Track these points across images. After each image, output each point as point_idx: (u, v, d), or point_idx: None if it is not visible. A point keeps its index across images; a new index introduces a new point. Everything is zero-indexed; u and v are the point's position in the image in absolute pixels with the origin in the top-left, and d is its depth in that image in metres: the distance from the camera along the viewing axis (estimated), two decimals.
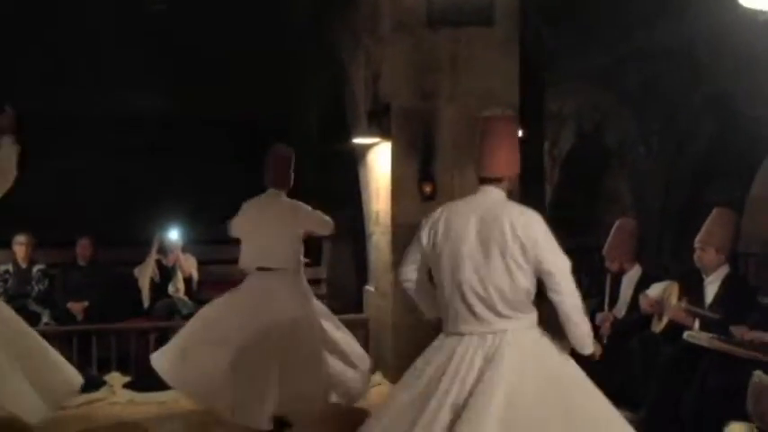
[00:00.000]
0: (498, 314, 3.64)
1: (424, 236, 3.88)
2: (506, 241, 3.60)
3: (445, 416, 3.48)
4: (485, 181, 3.82)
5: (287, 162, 6.25)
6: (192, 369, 5.91)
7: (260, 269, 6.10)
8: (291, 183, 6.26)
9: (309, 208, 6.20)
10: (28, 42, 9.73)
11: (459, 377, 3.55)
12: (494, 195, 3.80)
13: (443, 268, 3.78)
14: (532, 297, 3.74)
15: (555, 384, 3.64)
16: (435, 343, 3.84)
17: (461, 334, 3.69)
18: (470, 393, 3.49)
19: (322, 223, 6.26)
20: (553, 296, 3.69)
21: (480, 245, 3.66)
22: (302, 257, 6.26)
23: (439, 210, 3.94)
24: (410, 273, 4.06)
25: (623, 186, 12.65)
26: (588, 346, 3.90)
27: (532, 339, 3.75)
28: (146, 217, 9.03)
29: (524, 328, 3.72)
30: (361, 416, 4.73)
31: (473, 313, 3.68)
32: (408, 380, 3.79)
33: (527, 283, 3.66)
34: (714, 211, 5.88)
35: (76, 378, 5.97)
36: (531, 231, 3.63)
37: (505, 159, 3.83)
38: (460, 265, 3.70)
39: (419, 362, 3.81)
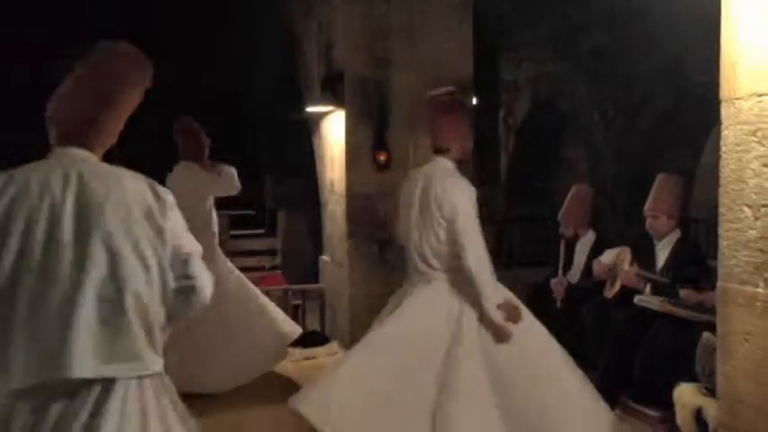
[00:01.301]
0: (434, 269, 4.19)
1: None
2: (436, 203, 4.12)
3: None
4: (435, 151, 4.33)
5: (194, 133, 6.18)
6: None
7: None
8: (205, 152, 6.18)
9: (217, 175, 6.11)
10: None
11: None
12: (441, 164, 4.28)
13: (401, 228, 4.40)
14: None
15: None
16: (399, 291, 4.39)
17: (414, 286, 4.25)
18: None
19: (228, 187, 6.19)
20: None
21: (420, 207, 4.20)
22: (215, 227, 6.16)
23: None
24: None
25: (578, 154, 12.75)
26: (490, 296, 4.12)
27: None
28: None
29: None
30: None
31: (417, 269, 4.24)
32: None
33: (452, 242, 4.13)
34: (659, 177, 5.93)
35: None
36: (453, 197, 4.09)
37: (451, 132, 4.30)
38: (409, 226, 4.28)
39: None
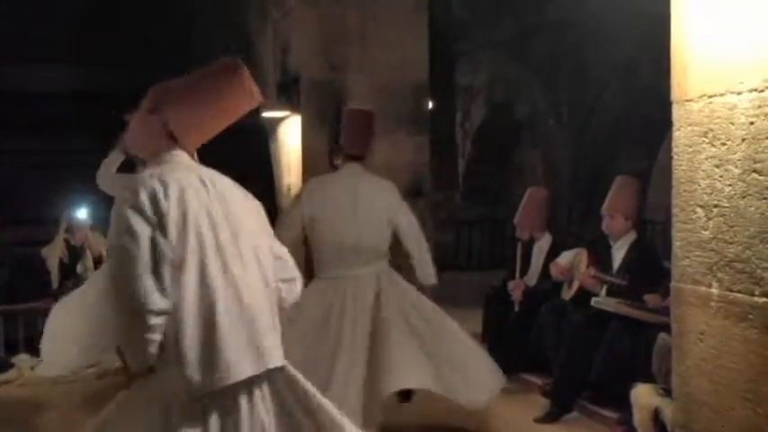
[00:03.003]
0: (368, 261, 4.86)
1: (305, 206, 4.92)
2: (367, 201, 4.83)
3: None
4: (348, 158, 4.97)
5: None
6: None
7: None
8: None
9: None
10: None
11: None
12: (355, 169, 4.94)
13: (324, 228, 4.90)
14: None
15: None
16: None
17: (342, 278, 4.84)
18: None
19: None
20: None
21: (351, 205, 4.82)
22: None
23: (311, 182, 5.20)
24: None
25: (534, 157, 12.81)
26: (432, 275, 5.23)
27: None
28: (53, 195, 8.77)
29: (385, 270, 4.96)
30: None
31: (345, 262, 4.84)
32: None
33: (384, 235, 4.93)
34: (617, 179, 6.00)
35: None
36: (388, 194, 4.94)
37: (363, 141, 5.01)
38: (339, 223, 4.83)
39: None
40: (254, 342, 2.54)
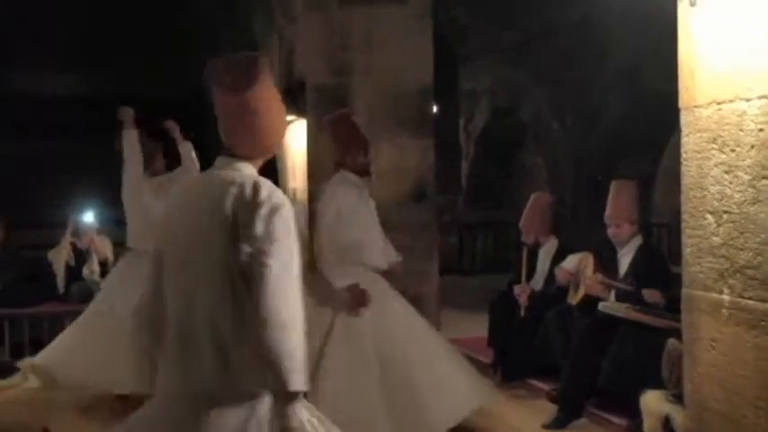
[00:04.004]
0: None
1: None
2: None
3: None
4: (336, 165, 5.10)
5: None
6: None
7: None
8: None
9: None
10: None
11: None
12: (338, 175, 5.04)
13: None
14: None
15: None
16: None
17: None
18: None
19: None
20: None
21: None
22: None
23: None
24: None
25: (538, 161, 12.80)
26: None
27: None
28: (60, 199, 8.81)
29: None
30: None
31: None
32: None
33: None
34: (613, 184, 5.88)
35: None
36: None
37: (343, 147, 5.13)
38: None
39: None
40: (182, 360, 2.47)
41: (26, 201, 9.55)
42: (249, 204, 2.42)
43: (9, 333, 7.61)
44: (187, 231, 2.52)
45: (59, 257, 8.37)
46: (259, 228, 2.39)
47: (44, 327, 7.62)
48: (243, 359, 2.38)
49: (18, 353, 7.44)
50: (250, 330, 2.37)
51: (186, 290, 2.48)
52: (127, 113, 6.12)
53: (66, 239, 8.38)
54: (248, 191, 2.45)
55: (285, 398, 2.38)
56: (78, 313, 6.85)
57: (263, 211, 2.41)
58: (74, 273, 8.43)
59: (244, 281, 2.40)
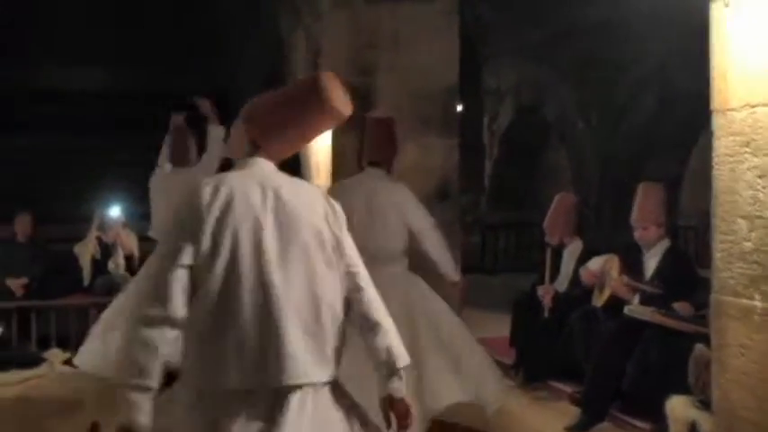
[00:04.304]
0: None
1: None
2: (379, 205, 4.80)
3: None
4: (370, 164, 5.02)
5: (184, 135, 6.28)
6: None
7: None
8: (192, 155, 6.23)
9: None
10: None
11: None
12: (373, 174, 4.97)
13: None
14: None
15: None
16: None
17: None
18: None
19: None
20: None
21: (367, 213, 4.75)
22: None
23: (333, 187, 5.34)
24: None
25: (563, 160, 12.74)
26: (452, 272, 5.20)
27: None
28: (87, 193, 8.91)
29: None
30: None
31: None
32: None
33: (399, 237, 4.86)
34: (641, 186, 5.81)
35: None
36: (400, 197, 4.88)
37: (384, 148, 5.06)
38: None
39: None
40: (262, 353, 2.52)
41: (54, 195, 9.62)
42: None
43: (36, 325, 7.72)
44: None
45: (85, 251, 8.47)
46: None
47: (70, 318, 7.74)
48: (337, 352, 2.60)
49: (44, 344, 7.57)
50: (340, 324, 2.61)
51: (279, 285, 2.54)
52: (206, 106, 6.15)
53: (93, 233, 8.47)
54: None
55: (398, 375, 2.68)
56: (104, 305, 6.90)
57: None
58: (99, 266, 8.52)
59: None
